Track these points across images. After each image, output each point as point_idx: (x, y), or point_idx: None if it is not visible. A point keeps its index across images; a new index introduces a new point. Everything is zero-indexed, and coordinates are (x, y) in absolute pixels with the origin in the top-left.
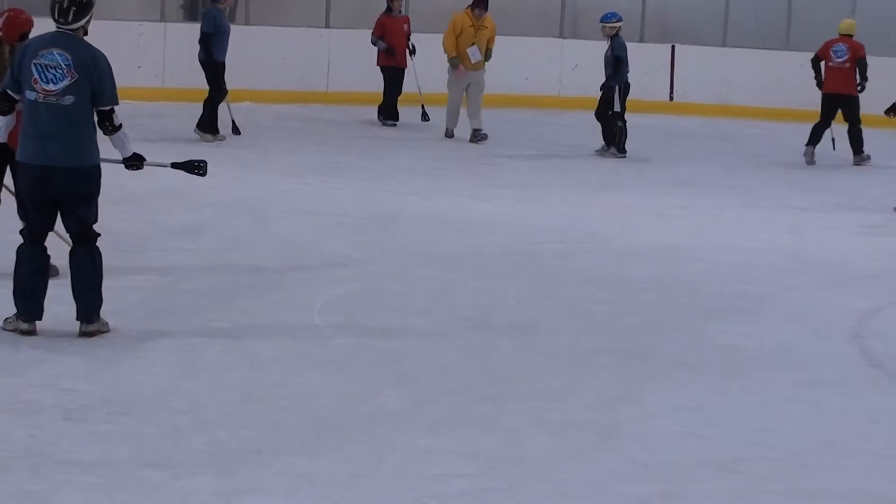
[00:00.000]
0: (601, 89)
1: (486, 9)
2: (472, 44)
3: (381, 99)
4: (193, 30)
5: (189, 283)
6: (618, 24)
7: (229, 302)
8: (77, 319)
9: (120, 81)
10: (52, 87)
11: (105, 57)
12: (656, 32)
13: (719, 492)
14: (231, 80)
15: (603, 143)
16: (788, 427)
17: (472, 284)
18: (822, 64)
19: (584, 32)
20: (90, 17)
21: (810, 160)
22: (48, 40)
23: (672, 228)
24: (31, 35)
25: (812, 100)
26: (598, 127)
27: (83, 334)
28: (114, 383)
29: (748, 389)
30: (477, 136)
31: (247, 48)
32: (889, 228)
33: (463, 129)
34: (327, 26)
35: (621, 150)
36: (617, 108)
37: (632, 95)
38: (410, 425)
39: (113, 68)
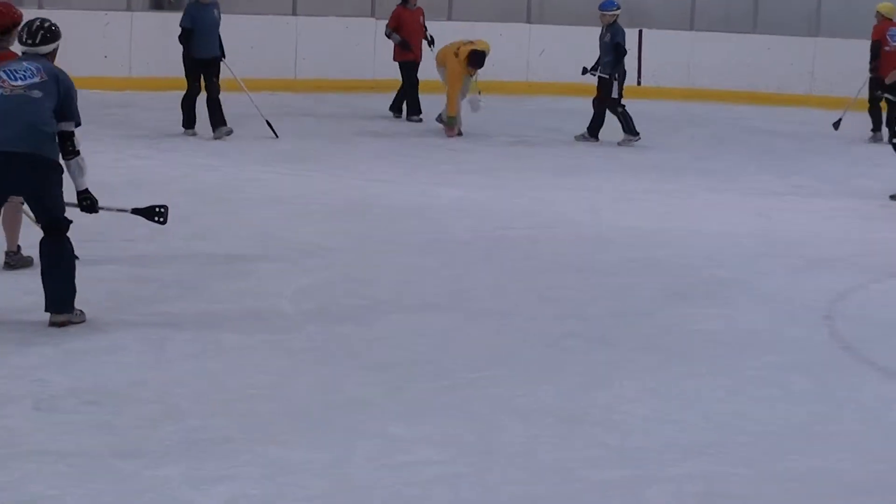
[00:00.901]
0: (596, 75)
1: (481, 67)
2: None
3: (396, 93)
4: (160, 19)
5: (158, 273)
6: (617, 12)
7: (199, 291)
8: (46, 310)
9: (86, 72)
10: (20, 82)
11: (68, 76)
12: (624, 17)
13: (690, 475)
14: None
15: (585, 130)
16: (758, 410)
17: (443, 271)
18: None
19: (551, 17)
20: (57, 47)
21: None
22: (17, 59)
23: (641, 213)
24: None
25: (780, 82)
26: (569, 112)
27: (53, 324)
28: (84, 373)
29: (718, 373)
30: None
31: None
32: (859, 211)
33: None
34: (294, 14)
35: (634, 133)
36: (615, 94)
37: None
38: (382, 413)
39: (79, 58)
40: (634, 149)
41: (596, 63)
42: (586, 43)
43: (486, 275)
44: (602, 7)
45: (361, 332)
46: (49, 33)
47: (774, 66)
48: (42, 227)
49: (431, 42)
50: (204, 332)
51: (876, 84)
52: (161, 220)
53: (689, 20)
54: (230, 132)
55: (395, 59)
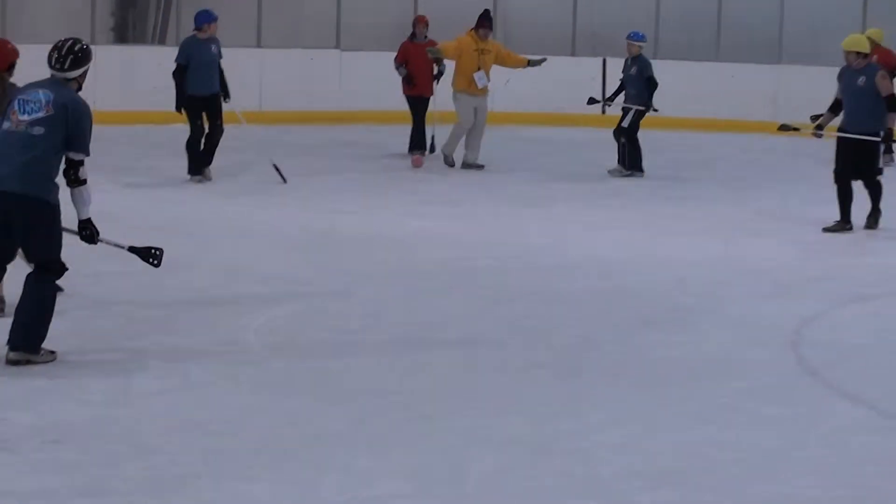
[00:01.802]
0: (634, 110)
1: (491, 28)
2: (478, 68)
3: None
4: (124, 52)
5: (124, 307)
6: (643, 44)
7: (165, 325)
8: (6, 343)
9: None
10: (25, 117)
11: (88, 108)
12: (587, 46)
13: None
14: (167, 101)
15: (619, 164)
16: (725, 437)
17: (410, 302)
18: None
19: (517, 47)
20: (86, 70)
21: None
22: (38, 83)
23: (607, 241)
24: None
25: (743, 109)
26: (534, 141)
27: (9, 362)
28: (47, 411)
29: (685, 400)
30: (472, 166)
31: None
32: (823, 237)
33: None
34: (259, 45)
35: (629, 168)
36: (625, 124)
37: (564, 109)
38: (349, 445)
39: None
40: (599, 178)
41: (614, 94)
42: (550, 73)
43: (453, 305)
44: (630, 37)
45: (328, 364)
46: (79, 55)
47: (737, 93)
48: (34, 265)
49: (438, 76)
50: (170, 367)
51: None
52: (155, 262)
53: (652, 48)
54: (208, 180)
55: (403, 93)
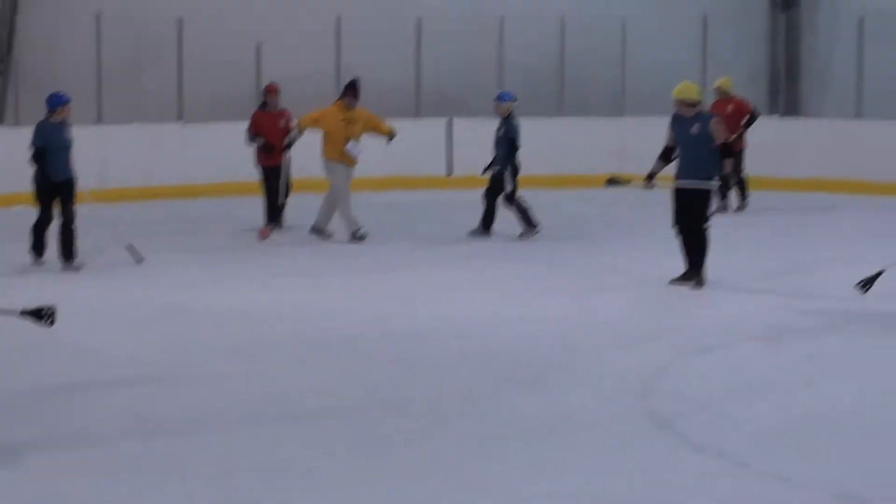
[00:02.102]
0: (489, 171)
1: (356, 97)
2: (348, 138)
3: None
4: None
5: None
6: (513, 104)
7: (7, 416)
8: None
9: None
10: None
11: None
12: (430, 106)
13: None
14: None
15: (479, 225)
16: (583, 490)
17: (261, 376)
18: None
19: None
20: None
21: None
22: None
23: (461, 302)
24: None
25: (588, 163)
26: (386, 206)
27: None
28: None
29: (542, 457)
30: (358, 235)
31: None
32: (668, 289)
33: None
34: (99, 122)
35: (532, 225)
36: (509, 188)
37: (409, 172)
38: None
39: None
40: (449, 239)
41: (493, 159)
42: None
43: (306, 377)
44: (501, 97)
45: (178, 443)
46: None
47: (582, 147)
48: None
49: (287, 147)
50: (13, 457)
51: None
52: (49, 321)
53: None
54: (81, 267)
55: (258, 164)
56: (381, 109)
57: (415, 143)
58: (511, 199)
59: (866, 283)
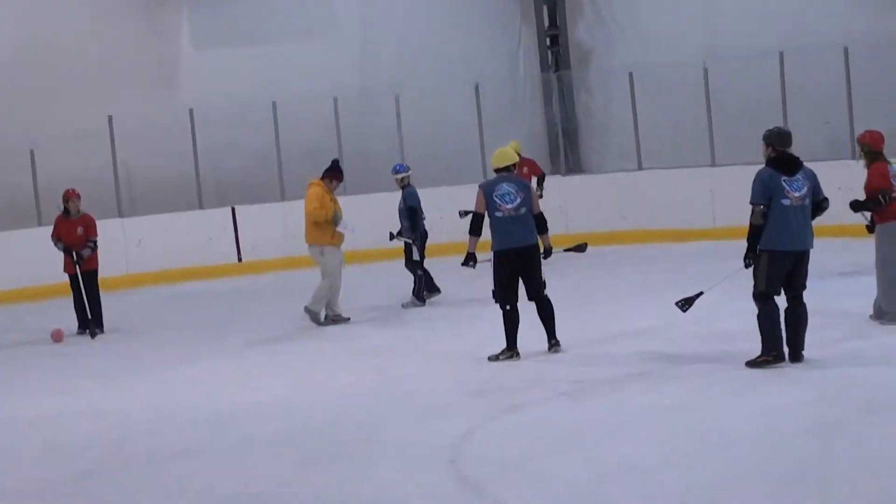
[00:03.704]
0: (398, 239)
1: (342, 179)
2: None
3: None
4: None
5: None
6: (407, 174)
7: None
8: None
9: None
10: None
11: None
12: (213, 198)
13: None
14: None
15: (412, 297)
16: None
17: (61, 484)
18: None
19: (141, 207)
20: None
21: None
22: None
23: (258, 388)
24: None
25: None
26: (173, 297)
27: None
28: None
29: None
30: (340, 319)
31: None
32: (465, 353)
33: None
34: None
35: (421, 299)
36: (416, 256)
37: (200, 261)
38: None
39: None
40: (243, 328)
41: (400, 229)
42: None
43: (106, 477)
44: (395, 170)
45: None
46: None
47: (369, 222)
48: None
49: (78, 260)
50: None
51: None
52: None
53: (279, 191)
54: None
55: (64, 270)
56: (164, 203)
57: (202, 235)
58: (415, 265)
59: (686, 303)
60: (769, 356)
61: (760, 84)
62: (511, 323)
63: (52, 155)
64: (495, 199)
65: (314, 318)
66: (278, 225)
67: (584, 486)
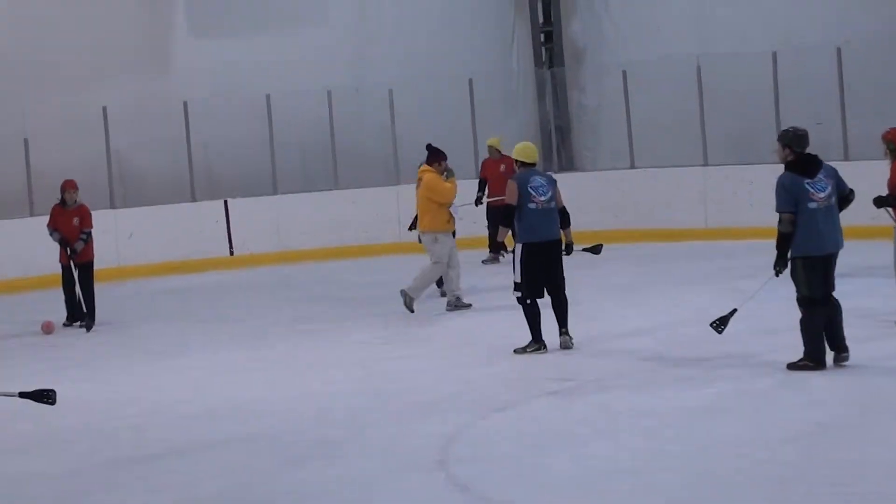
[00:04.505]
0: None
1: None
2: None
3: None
4: None
5: None
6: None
7: None
8: None
9: None
10: None
11: None
12: (206, 190)
13: None
14: None
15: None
16: None
17: (50, 471)
18: None
19: (136, 201)
20: None
21: None
22: None
23: (246, 383)
24: None
25: (368, 234)
26: (165, 292)
27: None
28: None
29: None
30: (461, 305)
31: None
32: (452, 352)
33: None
34: None
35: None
36: None
37: (192, 254)
38: None
39: None
40: (230, 319)
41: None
42: (172, 221)
43: (94, 471)
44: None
45: None
46: None
47: (360, 218)
48: None
49: (71, 254)
50: None
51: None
52: (49, 401)
53: (271, 185)
54: None
55: (59, 260)
56: (157, 195)
57: (194, 227)
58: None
59: (721, 323)
60: (809, 362)
61: (753, 84)
62: (534, 316)
63: (45, 144)
64: (530, 190)
65: (409, 303)
66: (271, 219)
67: (572, 485)
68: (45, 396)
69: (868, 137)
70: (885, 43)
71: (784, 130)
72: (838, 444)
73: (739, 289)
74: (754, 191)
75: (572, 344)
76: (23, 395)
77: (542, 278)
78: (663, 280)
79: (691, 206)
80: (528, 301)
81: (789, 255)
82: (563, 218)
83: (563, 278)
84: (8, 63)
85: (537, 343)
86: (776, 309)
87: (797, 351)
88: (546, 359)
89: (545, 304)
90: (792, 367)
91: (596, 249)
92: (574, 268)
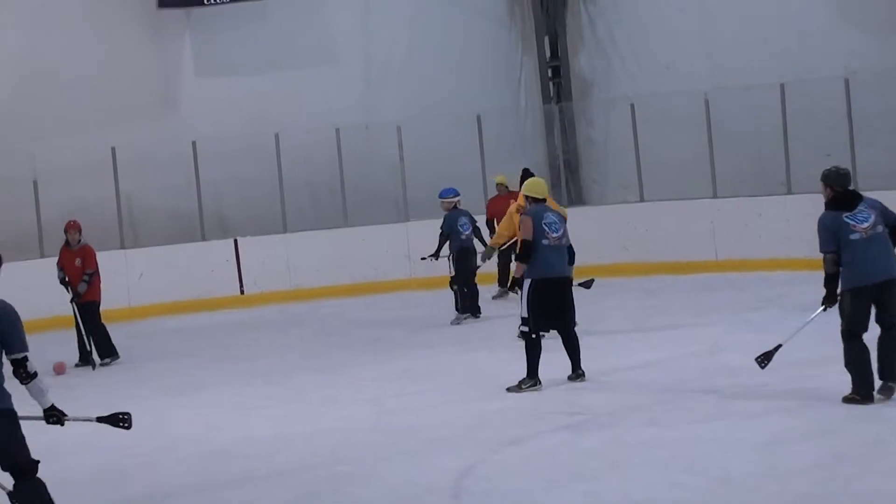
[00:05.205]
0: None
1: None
2: None
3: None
4: None
5: None
6: (453, 200)
7: None
8: None
9: None
10: None
11: (12, 307)
12: (218, 230)
13: None
14: None
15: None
16: None
17: None
18: None
19: (146, 238)
20: None
21: None
22: None
23: (259, 421)
24: None
25: (378, 270)
26: (175, 331)
27: None
28: None
29: None
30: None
31: None
32: (471, 387)
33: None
34: None
35: (462, 311)
36: (451, 272)
37: (202, 294)
38: None
39: None
40: (244, 358)
41: (437, 249)
42: (181, 260)
43: None
44: (440, 195)
45: None
46: None
47: (370, 255)
48: (10, 474)
49: (74, 297)
50: None
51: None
52: (126, 425)
53: (281, 223)
54: None
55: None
56: (167, 235)
57: (204, 267)
58: (451, 282)
59: (765, 358)
60: (857, 396)
61: (762, 116)
62: (536, 352)
63: (54, 186)
64: (544, 226)
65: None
66: (281, 257)
67: None
68: (121, 420)
69: (877, 168)
70: (893, 73)
71: (826, 170)
72: (852, 474)
73: (749, 320)
74: (764, 222)
75: (585, 380)
76: (100, 419)
77: (551, 314)
78: (673, 312)
79: (701, 238)
80: (534, 336)
81: (839, 289)
82: (570, 255)
83: (574, 316)
84: (17, 106)
85: (532, 379)
86: (802, 343)
87: (813, 381)
88: (557, 393)
89: (557, 344)
90: (845, 400)
91: (587, 284)
92: (587, 300)
